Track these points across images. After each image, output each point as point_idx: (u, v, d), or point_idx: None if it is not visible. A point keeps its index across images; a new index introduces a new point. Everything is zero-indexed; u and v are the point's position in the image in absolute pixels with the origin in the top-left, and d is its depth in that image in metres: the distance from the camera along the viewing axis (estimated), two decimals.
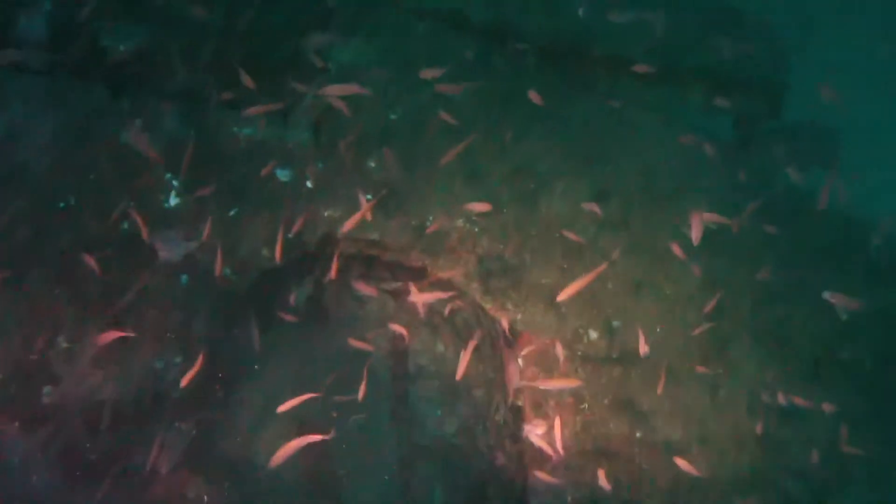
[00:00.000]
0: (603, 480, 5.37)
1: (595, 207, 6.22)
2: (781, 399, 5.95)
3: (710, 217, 5.63)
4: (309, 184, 6.09)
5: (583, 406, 5.92)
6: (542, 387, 5.76)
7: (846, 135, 8.62)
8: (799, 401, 5.88)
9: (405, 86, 6.54)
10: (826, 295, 5.41)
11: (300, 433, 4.61)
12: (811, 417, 6.16)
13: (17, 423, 4.95)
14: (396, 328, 5.55)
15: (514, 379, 5.90)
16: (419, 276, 6.05)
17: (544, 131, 6.81)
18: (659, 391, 5.81)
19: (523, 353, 5.96)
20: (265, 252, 5.73)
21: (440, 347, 5.86)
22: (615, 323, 6.22)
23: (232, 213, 5.83)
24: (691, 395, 6.14)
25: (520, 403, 5.92)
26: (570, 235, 6.18)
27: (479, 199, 6.02)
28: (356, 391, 5.09)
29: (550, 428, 5.61)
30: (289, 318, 5.60)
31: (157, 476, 5.05)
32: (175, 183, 5.76)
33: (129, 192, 5.62)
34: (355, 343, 5.41)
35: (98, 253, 5.25)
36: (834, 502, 6.11)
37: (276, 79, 6.09)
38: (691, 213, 5.47)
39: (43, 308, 5.22)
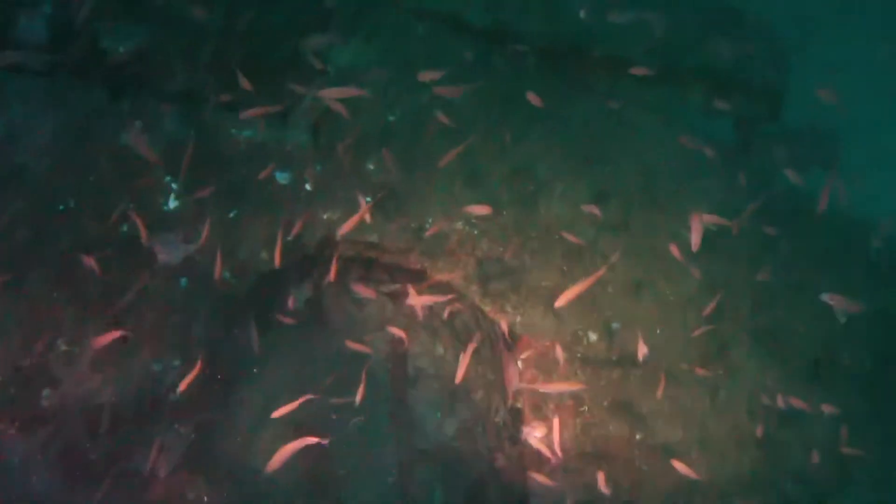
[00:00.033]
0: (602, 483, 5.37)
1: (595, 209, 6.21)
2: (782, 399, 5.95)
3: (710, 219, 5.62)
4: (308, 186, 6.09)
5: (582, 408, 5.93)
6: (543, 390, 5.76)
7: (846, 135, 8.62)
8: (798, 403, 5.87)
9: (404, 87, 6.53)
10: (824, 297, 5.40)
11: (299, 435, 4.60)
12: (811, 419, 6.16)
13: (16, 426, 4.95)
14: (395, 331, 5.54)
15: (514, 381, 5.90)
16: (418, 278, 6.05)
17: (544, 133, 6.80)
18: (659, 394, 5.81)
19: (523, 356, 5.96)
20: (264, 254, 5.72)
21: (439, 350, 5.85)
22: (615, 325, 6.22)
23: (231, 215, 5.83)
24: (691, 397, 6.14)
25: (519, 406, 5.92)
26: (570, 237, 6.17)
27: (479, 201, 6.01)
28: (355, 393, 5.09)
29: (549, 430, 5.61)
30: (288, 320, 5.59)
31: (156, 477, 5.04)
32: (174, 185, 5.75)
33: (128, 194, 5.62)
34: (354, 345, 5.40)
35: (97, 255, 5.23)
36: (834, 503, 6.11)
37: (275, 80, 6.07)
38: (691, 216, 5.45)
39: (42, 310, 5.21)
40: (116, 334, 4.92)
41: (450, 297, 5.67)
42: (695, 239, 5.40)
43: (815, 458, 5.97)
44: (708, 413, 6.13)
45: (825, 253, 7.03)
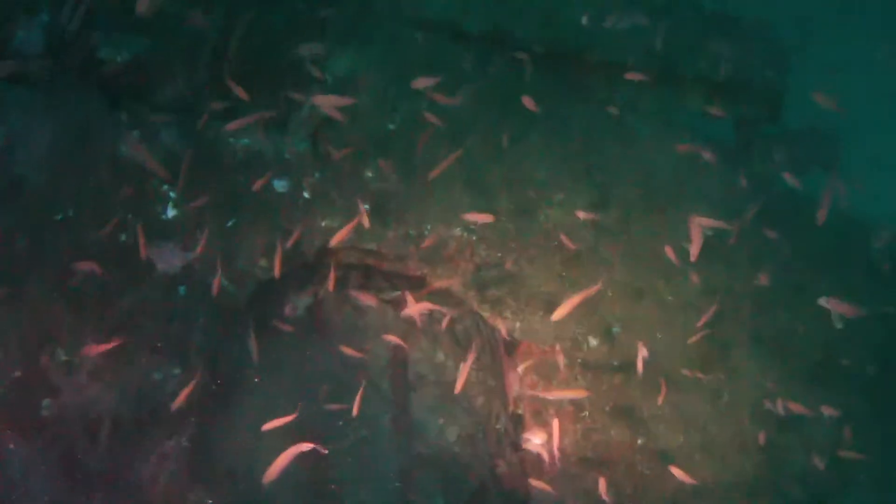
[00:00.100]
0: (603, 488, 5.35)
1: (590, 216, 6.18)
2: (782, 405, 5.93)
3: (710, 222, 5.60)
4: (306, 194, 6.08)
5: (583, 414, 5.91)
6: (546, 397, 5.75)
7: (846, 136, 8.59)
8: (799, 408, 5.85)
9: (403, 94, 6.52)
10: (822, 301, 5.37)
11: (299, 441, 4.59)
12: (813, 422, 6.14)
13: (16, 436, 4.95)
14: (394, 339, 5.54)
15: (514, 387, 5.89)
16: (417, 285, 6.04)
17: (542, 138, 6.78)
18: (660, 401, 5.79)
19: (524, 364, 5.95)
20: (263, 263, 5.72)
21: (440, 356, 5.85)
22: (615, 329, 6.21)
23: (229, 223, 5.82)
24: (693, 402, 6.13)
25: (520, 411, 5.91)
26: (569, 243, 6.15)
27: (477, 207, 6.00)
28: (354, 400, 5.08)
29: (550, 436, 5.60)
30: (287, 328, 5.59)
31: (156, 485, 5.05)
32: (172, 194, 5.75)
33: (126, 203, 5.62)
34: (354, 353, 5.40)
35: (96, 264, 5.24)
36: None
37: (273, 89, 6.07)
38: (690, 223, 5.42)
39: (41, 320, 5.21)
40: (114, 343, 4.92)
41: (449, 313, 5.66)
42: (694, 248, 5.37)
43: (817, 461, 5.96)
44: (710, 417, 6.12)
45: (825, 254, 7.01)
